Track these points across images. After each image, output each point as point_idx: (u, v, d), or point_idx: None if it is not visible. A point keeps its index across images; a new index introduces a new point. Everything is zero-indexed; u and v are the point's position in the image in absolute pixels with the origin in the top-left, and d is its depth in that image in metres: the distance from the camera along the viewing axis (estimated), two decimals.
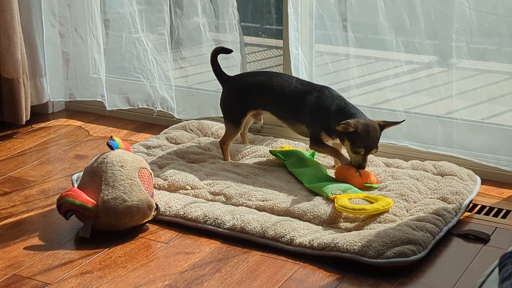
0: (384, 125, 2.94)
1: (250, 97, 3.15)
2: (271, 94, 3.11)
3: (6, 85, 3.66)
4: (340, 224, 2.71)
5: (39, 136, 3.67)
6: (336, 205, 2.72)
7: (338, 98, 3.00)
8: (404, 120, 3.03)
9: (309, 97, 3.03)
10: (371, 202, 2.75)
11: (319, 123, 3.00)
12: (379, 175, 3.02)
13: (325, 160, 3.18)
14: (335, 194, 2.80)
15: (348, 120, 2.88)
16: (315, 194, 2.89)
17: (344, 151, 3.07)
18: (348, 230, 2.68)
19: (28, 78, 3.71)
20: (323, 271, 2.52)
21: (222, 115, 3.27)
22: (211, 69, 3.24)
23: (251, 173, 3.08)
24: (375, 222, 2.69)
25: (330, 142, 3.07)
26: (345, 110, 2.96)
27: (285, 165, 3.13)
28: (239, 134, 3.25)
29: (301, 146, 3.31)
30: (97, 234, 2.73)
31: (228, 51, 3.25)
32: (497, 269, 1.44)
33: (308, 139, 3.10)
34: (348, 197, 2.78)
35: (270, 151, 3.20)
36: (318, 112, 3.00)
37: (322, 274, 2.51)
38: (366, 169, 2.98)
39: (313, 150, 3.16)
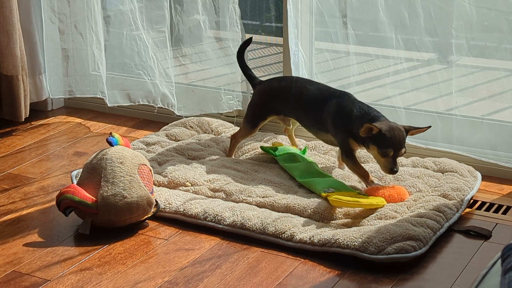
0: (409, 129, 2.81)
1: (272, 102, 3.11)
2: (291, 100, 3.06)
3: (5, 82, 3.65)
4: (340, 220, 2.71)
5: (38, 133, 3.66)
6: (330, 198, 2.71)
7: (358, 102, 2.90)
8: (430, 127, 2.88)
9: (329, 103, 2.94)
10: None
11: (343, 130, 2.90)
12: (379, 172, 3.00)
13: (316, 157, 3.17)
14: (328, 192, 2.79)
15: (367, 123, 2.76)
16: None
17: (372, 165, 3.01)
18: (349, 226, 2.67)
19: (27, 75, 3.70)
20: (324, 267, 2.51)
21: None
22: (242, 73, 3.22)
23: (251, 170, 3.07)
24: (376, 218, 2.69)
25: (359, 150, 2.97)
26: (367, 113, 2.84)
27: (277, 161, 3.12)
28: (252, 135, 3.22)
29: (301, 143, 3.30)
30: (96, 230, 2.72)
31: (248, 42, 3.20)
32: (499, 261, 1.44)
33: (328, 145, 3.08)
34: (341, 195, 2.77)
35: (261, 147, 3.20)
36: (340, 119, 2.90)
37: (322, 270, 2.50)
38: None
39: (304, 146, 3.16)
